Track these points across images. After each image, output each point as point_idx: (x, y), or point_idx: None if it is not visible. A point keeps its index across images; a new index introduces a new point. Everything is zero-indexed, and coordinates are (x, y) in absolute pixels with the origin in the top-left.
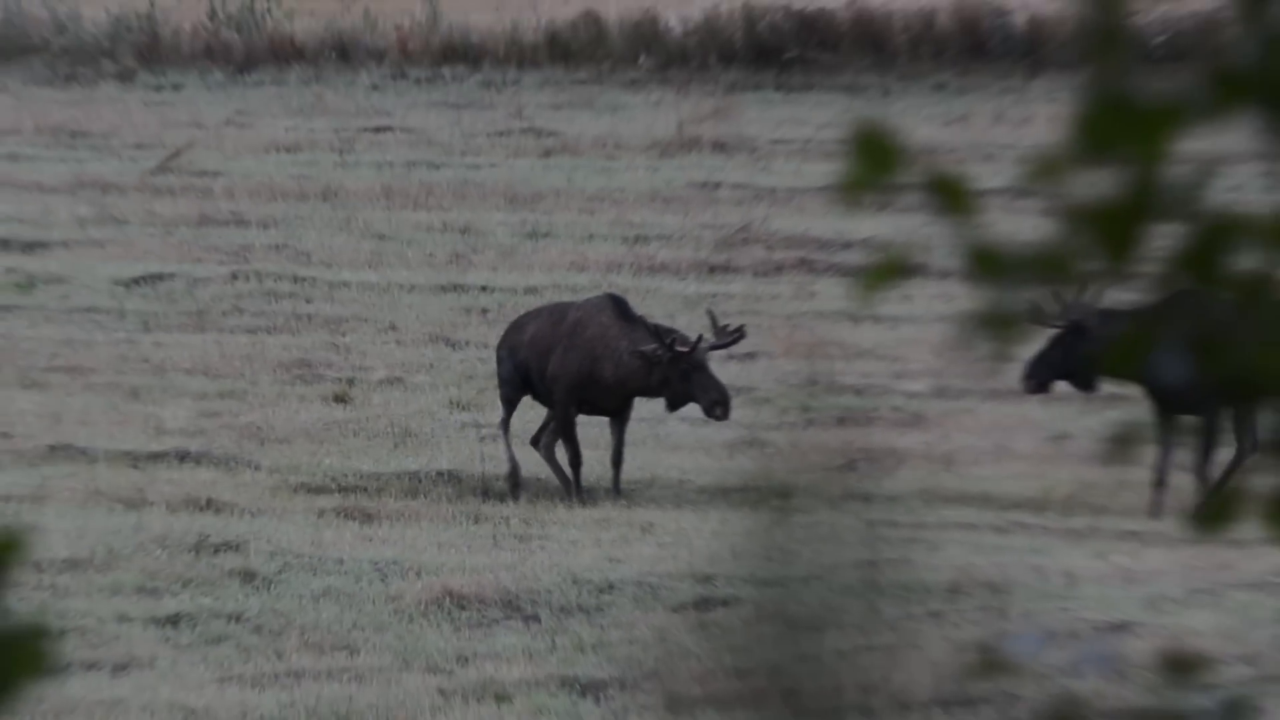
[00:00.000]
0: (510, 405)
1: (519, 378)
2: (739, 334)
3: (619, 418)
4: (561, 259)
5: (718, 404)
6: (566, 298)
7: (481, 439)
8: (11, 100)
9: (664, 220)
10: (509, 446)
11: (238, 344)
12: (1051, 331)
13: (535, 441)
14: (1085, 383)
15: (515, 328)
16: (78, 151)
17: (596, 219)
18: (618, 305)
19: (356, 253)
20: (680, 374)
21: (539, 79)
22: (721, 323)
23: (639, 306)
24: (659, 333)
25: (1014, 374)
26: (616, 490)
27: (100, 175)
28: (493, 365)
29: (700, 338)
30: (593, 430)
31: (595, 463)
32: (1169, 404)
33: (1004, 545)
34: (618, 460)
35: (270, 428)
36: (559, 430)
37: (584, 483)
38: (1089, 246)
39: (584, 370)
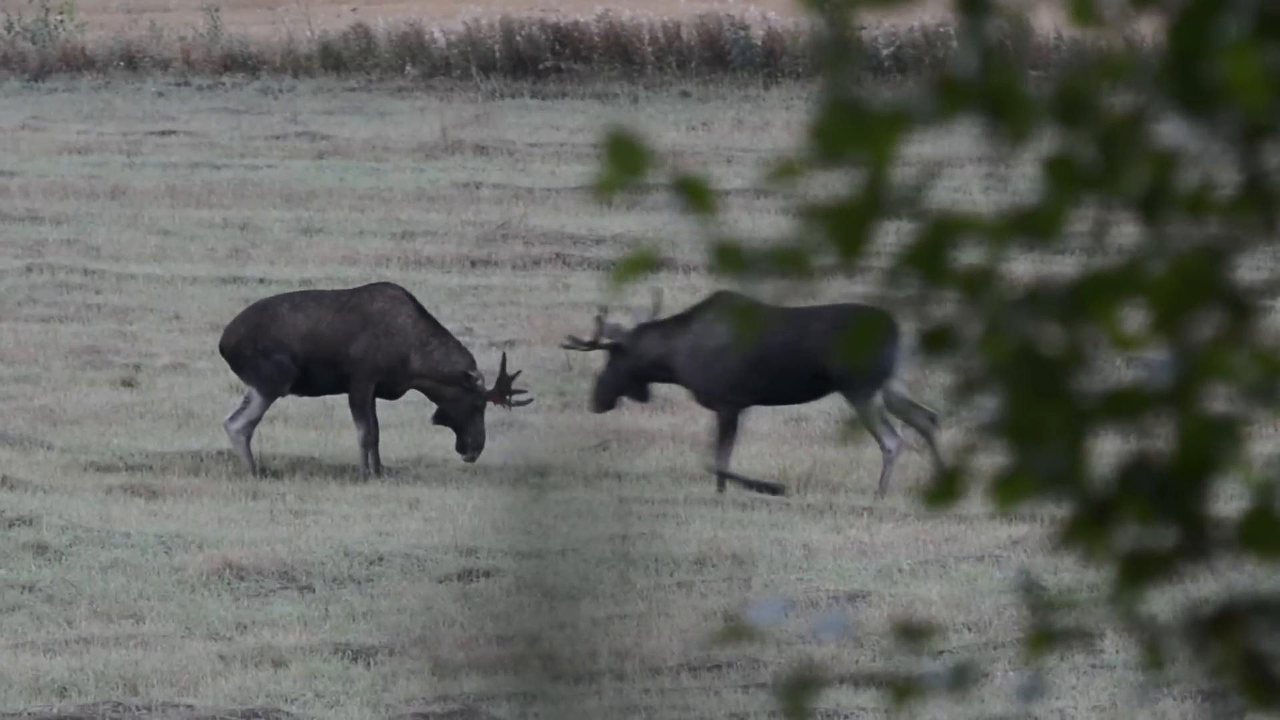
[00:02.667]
0: (274, 399)
1: (295, 369)
2: (525, 399)
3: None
4: (334, 253)
5: (475, 449)
6: (339, 289)
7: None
8: None
9: (429, 217)
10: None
11: (31, 332)
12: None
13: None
14: (640, 395)
15: (269, 322)
16: None
17: (366, 216)
18: (413, 298)
19: (143, 247)
20: (470, 406)
21: (313, 86)
22: (517, 386)
23: None
24: (461, 347)
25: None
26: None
27: None
28: None
29: (509, 391)
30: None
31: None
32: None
33: (746, 520)
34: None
35: (62, 410)
36: (362, 411)
37: (348, 462)
38: (823, 243)
39: (397, 356)
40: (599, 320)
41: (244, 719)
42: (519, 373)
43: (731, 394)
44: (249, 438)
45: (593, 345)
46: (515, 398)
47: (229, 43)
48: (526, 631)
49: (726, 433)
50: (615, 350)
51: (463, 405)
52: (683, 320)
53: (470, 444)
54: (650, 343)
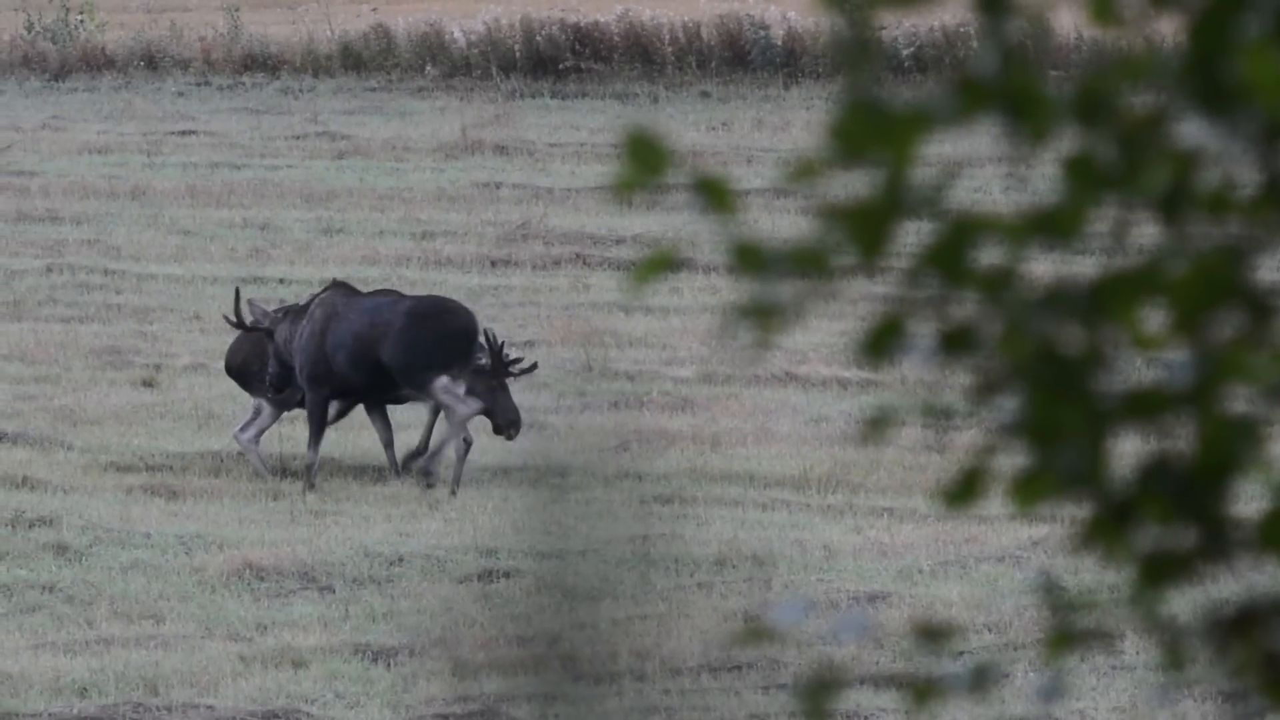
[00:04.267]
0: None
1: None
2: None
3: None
4: (354, 253)
5: (510, 425)
6: (360, 288)
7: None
8: None
9: (449, 217)
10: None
11: (52, 332)
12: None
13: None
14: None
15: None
16: None
17: (386, 216)
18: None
19: (163, 247)
20: (486, 388)
21: (333, 86)
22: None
23: None
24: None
25: (755, 358)
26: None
27: None
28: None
29: (508, 362)
30: (400, 413)
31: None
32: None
33: (767, 521)
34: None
35: (82, 410)
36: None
37: (369, 463)
38: (843, 243)
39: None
40: (247, 303)
41: (264, 719)
42: (503, 343)
43: (312, 382)
44: (258, 443)
45: (242, 326)
46: (517, 366)
47: (249, 43)
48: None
49: (313, 420)
50: (268, 334)
51: (478, 390)
52: (304, 308)
53: (504, 422)
54: (283, 328)
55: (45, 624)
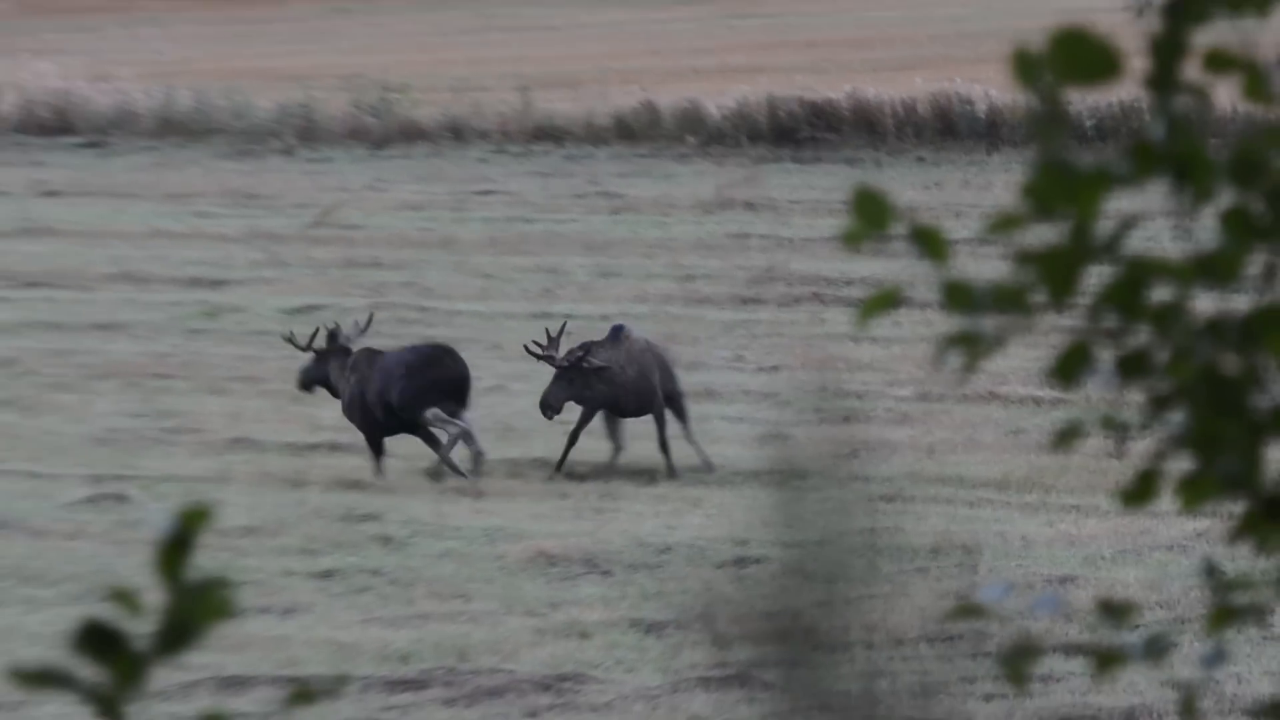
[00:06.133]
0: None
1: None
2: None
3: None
4: (627, 293)
5: (541, 405)
6: (632, 324)
7: (564, 433)
8: (201, 170)
9: (707, 263)
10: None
11: None
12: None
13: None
14: (334, 393)
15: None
16: (251, 210)
17: (654, 262)
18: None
19: (468, 288)
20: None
21: (609, 153)
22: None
23: (688, 331)
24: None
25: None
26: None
27: (269, 228)
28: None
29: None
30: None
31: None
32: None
33: (974, 516)
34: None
35: None
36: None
37: (642, 467)
38: (1037, 284)
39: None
40: (328, 329)
41: (556, 681)
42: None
43: (356, 423)
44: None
45: (300, 346)
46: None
47: (539, 117)
48: (790, 609)
49: (371, 451)
50: (320, 355)
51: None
52: (345, 362)
53: (541, 402)
54: (335, 364)
55: (373, 602)
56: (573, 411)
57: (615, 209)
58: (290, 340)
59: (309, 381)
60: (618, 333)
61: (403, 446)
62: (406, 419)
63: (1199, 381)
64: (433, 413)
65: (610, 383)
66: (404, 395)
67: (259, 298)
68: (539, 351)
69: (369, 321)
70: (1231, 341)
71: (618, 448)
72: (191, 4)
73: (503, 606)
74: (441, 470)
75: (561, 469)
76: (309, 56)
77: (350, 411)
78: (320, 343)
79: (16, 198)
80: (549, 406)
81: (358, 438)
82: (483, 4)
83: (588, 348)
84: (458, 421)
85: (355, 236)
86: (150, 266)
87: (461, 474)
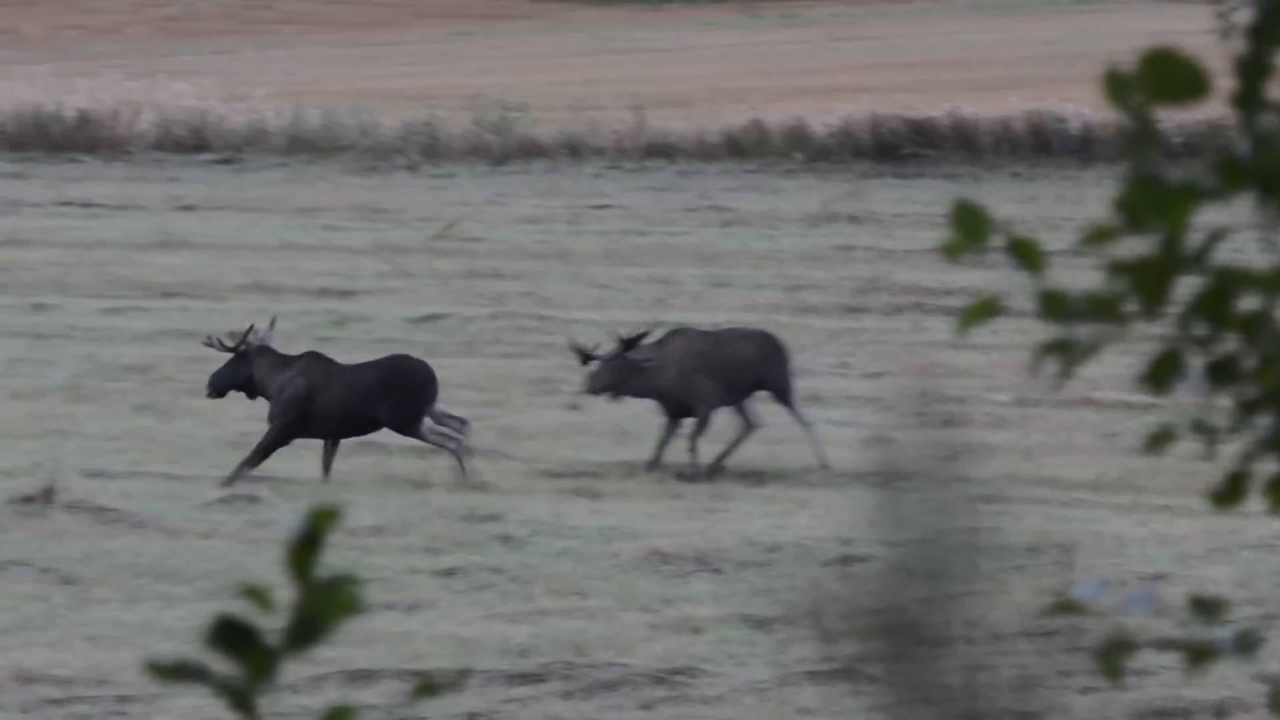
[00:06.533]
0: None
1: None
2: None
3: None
4: (737, 303)
5: (583, 386)
6: (742, 324)
7: (680, 436)
8: (329, 186)
9: (813, 274)
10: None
11: (497, 365)
12: (229, 355)
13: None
14: (250, 394)
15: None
16: (377, 223)
17: (763, 272)
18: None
19: (584, 298)
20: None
21: (719, 169)
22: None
23: (795, 339)
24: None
25: (1037, 380)
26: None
27: (394, 241)
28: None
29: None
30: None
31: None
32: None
33: (1069, 516)
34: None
35: (521, 428)
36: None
37: (752, 468)
38: (1130, 293)
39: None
40: (248, 330)
41: (669, 675)
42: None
43: (281, 422)
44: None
45: (226, 349)
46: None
47: (652, 135)
48: (895, 606)
49: (264, 454)
50: (240, 356)
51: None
52: (288, 360)
53: (585, 384)
54: (262, 363)
55: (493, 599)
56: (624, 405)
57: (725, 222)
58: (213, 343)
59: (223, 387)
60: (671, 335)
61: (522, 450)
62: (399, 432)
63: None
64: (427, 425)
65: (648, 378)
66: (397, 415)
67: (385, 307)
68: (586, 350)
69: (272, 323)
70: None
71: (749, 425)
72: (321, 27)
73: (618, 603)
74: (462, 467)
75: (657, 465)
76: (433, 77)
77: (286, 411)
78: (243, 344)
79: (154, 212)
80: (593, 390)
81: (480, 441)
82: (598, 27)
83: (633, 342)
84: (447, 430)
85: (477, 248)
86: (281, 277)
87: (463, 469)
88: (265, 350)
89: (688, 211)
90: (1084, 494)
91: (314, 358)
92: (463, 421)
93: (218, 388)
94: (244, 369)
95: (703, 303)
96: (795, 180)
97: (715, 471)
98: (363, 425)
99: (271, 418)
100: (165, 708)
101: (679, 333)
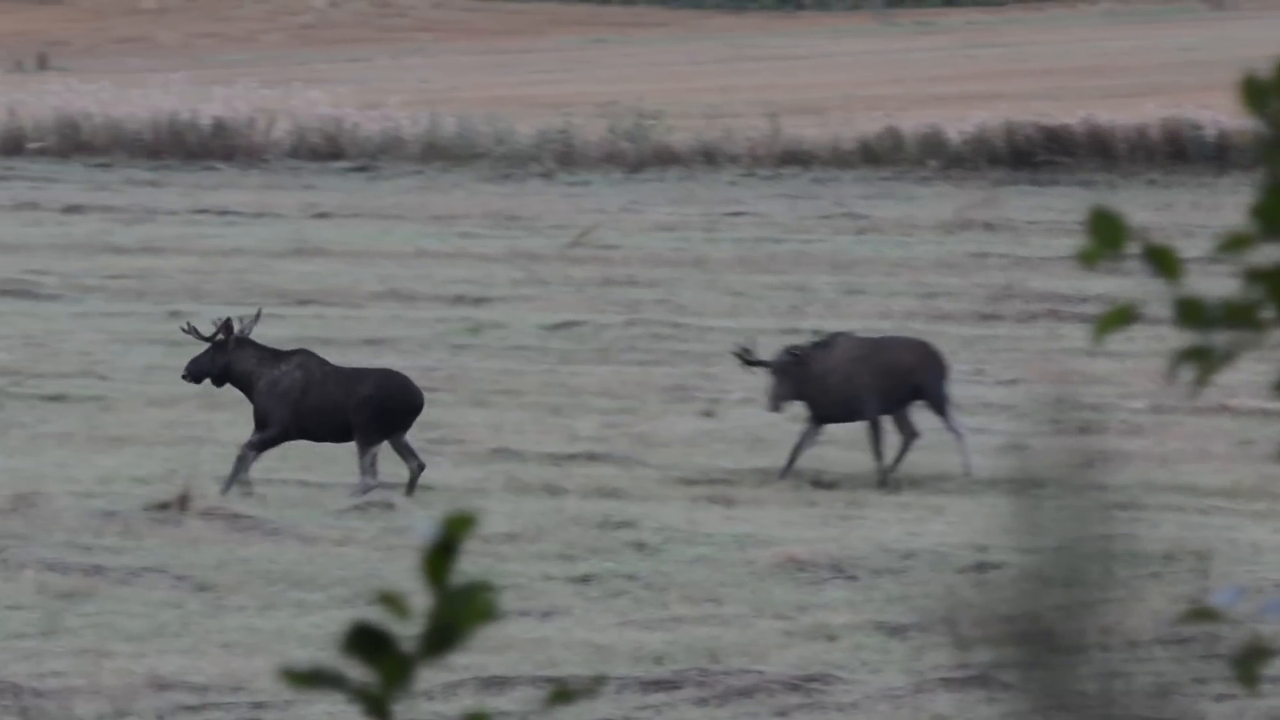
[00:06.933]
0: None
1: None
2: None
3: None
4: (872, 310)
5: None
6: (874, 338)
7: (814, 446)
8: (464, 193)
9: (948, 281)
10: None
11: (631, 373)
12: (209, 342)
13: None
14: (219, 384)
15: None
16: (512, 231)
17: (897, 280)
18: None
19: (719, 305)
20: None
21: (854, 176)
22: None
23: None
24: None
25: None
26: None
27: (529, 248)
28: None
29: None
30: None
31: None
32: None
33: (1205, 523)
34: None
35: (656, 435)
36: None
37: (894, 474)
38: (1266, 301)
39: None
40: (225, 320)
41: (804, 682)
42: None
43: (278, 417)
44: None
45: (202, 337)
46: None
47: (787, 142)
48: (1030, 613)
49: (265, 446)
50: (218, 346)
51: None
52: (280, 355)
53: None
54: (245, 355)
55: (628, 606)
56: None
57: (860, 229)
58: (190, 331)
59: (199, 374)
60: (832, 339)
61: (656, 457)
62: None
63: None
64: (384, 445)
65: (813, 382)
66: (370, 427)
67: (519, 314)
68: (746, 356)
69: (256, 317)
70: None
71: (910, 434)
72: (456, 35)
73: (753, 610)
74: (411, 486)
75: (788, 474)
76: (568, 85)
77: (280, 404)
78: (221, 334)
79: (290, 220)
80: (774, 406)
81: (615, 448)
82: (733, 34)
83: (796, 349)
84: (418, 455)
85: (612, 256)
86: (416, 284)
87: (369, 488)
88: (246, 343)
89: (822, 219)
90: (1220, 501)
91: (309, 355)
92: (421, 466)
93: (195, 374)
94: (220, 359)
95: (837, 310)
96: (930, 187)
97: (884, 484)
98: (339, 431)
99: (265, 411)
100: (300, 715)
101: (841, 336)
